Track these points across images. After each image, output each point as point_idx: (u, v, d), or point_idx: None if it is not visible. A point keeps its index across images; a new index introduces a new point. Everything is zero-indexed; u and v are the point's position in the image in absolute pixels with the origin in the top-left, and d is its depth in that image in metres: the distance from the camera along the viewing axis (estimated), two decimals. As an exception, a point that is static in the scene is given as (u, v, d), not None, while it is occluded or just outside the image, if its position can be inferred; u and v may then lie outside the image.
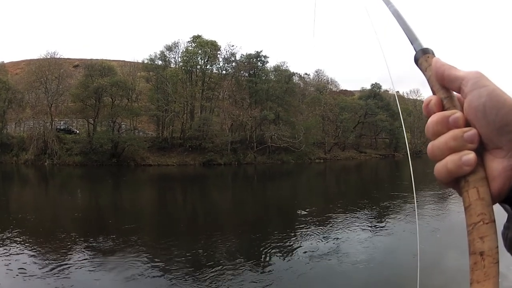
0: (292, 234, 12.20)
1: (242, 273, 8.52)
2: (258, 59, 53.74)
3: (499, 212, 0.46)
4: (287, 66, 56.25)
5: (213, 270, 8.70)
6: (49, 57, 49.62)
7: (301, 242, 11.17)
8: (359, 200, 18.14)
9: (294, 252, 10.27)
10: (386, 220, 14.18)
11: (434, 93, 0.52)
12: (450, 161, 0.46)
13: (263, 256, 10.00)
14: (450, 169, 0.46)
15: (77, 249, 10.00)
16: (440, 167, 0.48)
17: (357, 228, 12.92)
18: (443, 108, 0.50)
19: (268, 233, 12.35)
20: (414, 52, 0.57)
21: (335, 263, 9.38)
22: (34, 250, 9.70)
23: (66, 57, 57.38)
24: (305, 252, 10.18)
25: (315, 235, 11.98)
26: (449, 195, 18.69)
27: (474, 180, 0.46)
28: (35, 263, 8.77)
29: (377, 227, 13.03)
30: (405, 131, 66.84)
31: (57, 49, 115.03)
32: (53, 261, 8.82)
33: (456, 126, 0.47)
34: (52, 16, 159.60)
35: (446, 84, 0.50)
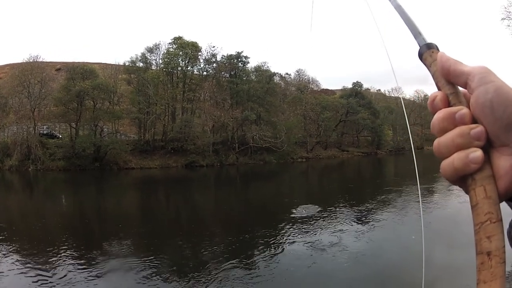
0: (276, 233, 12.32)
1: (228, 272, 8.71)
2: (239, 59, 53.84)
3: (504, 210, 0.45)
4: (268, 66, 56.59)
5: (199, 271, 8.87)
6: (32, 60, 49.31)
7: (285, 241, 11.32)
8: (343, 197, 18.40)
9: (279, 250, 10.43)
10: (374, 214, 14.43)
11: (439, 88, 0.51)
12: (456, 158, 0.45)
13: (247, 254, 10.18)
14: (457, 167, 0.45)
15: (62, 256, 10.01)
16: (446, 164, 0.46)
17: (343, 224, 13.11)
18: (449, 104, 0.48)
19: (252, 233, 12.50)
20: (418, 47, 0.55)
21: (319, 259, 9.64)
22: (18, 259, 9.66)
23: (48, 61, 57.04)
24: (290, 249, 10.39)
25: (299, 232, 12.14)
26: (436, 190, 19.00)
27: (481, 178, 0.44)
28: (20, 271, 8.83)
29: (364, 222, 13.27)
30: (388, 129, 67.84)
31: (40, 52, 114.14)
32: (38, 269, 8.86)
33: (463, 122, 0.46)
34: (36, 19, 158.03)
35: (451, 80, 0.49)
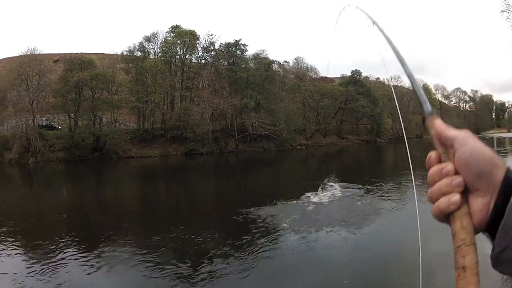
0: (277, 220, 12.02)
1: (229, 261, 8.55)
2: (237, 47, 53.74)
3: None
4: (266, 54, 56.45)
5: (200, 258, 8.75)
6: (29, 53, 48.99)
7: (285, 226, 11.07)
8: (342, 184, 18.25)
9: (281, 237, 10.24)
10: (378, 202, 14.16)
11: (435, 148, 0.64)
12: (441, 202, 0.59)
13: (247, 241, 9.96)
14: (441, 208, 0.59)
15: (63, 247, 9.82)
16: (434, 207, 0.60)
17: (341, 209, 12.86)
18: (440, 161, 0.62)
19: (252, 221, 12.33)
20: (424, 113, 0.68)
21: (317, 244, 9.46)
22: (20, 253, 9.50)
23: (46, 53, 56.75)
24: (291, 237, 10.17)
25: (299, 219, 11.86)
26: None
27: (459, 215, 0.58)
28: (22, 265, 8.66)
29: (362, 209, 12.89)
30: (387, 117, 67.84)
31: (37, 45, 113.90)
32: (40, 262, 8.67)
33: (448, 175, 0.59)
34: (32, 12, 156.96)
35: (443, 142, 0.62)
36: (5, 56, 65.60)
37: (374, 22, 1.05)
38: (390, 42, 0.92)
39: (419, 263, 1.06)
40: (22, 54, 49.63)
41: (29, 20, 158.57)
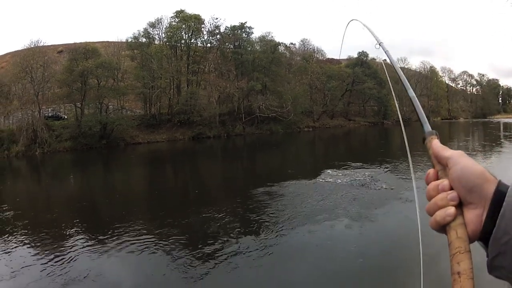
0: (283, 204, 11.86)
1: (238, 244, 8.48)
2: (243, 30, 53.33)
3: None
4: (272, 37, 55.89)
5: (209, 243, 8.68)
6: (33, 46, 48.56)
7: (294, 211, 10.85)
8: (349, 166, 17.95)
9: (288, 220, 10.07)
10: (383, 187, 13.66)
11: (433, 166, 0.71)
12: (438, 214, 0.65)
13: (255, 224, 9.86)
14: (438, 220, 0.64)
15: (72, 235, 9.80)
16: (432, 219, 0.66)
17: (353, 195, 12.48)
18: (437, 178, 0.68)
19: (259, 204, 12.13)
20: (424, 133, 0.75)
21: (327, 229, 9.24)
22: (29, 242, 9.39)
23: (49, 44, 56.55)
24: (300, 219, 10.05)
25: (310, 204, 11.74)
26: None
27: (454, 226, 0.63)
28: (33, 255, 8.58)
29: (373, 194, 12.45)
30: (395, 99, 67.06)
31: (40, 37, 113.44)
32: (50, 251, 8.61)
33: (444, 190, 0.65)
34: (34, 3, 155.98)
35: (439, 161, 0.69)
36: (8, 51, 65.47)
37: (380, 43, 1.23)
38: (394, 64, 1.06)
39: (419, 251, 0.96)
40: (25, 48, 49.26)
41: (31, 13, 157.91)
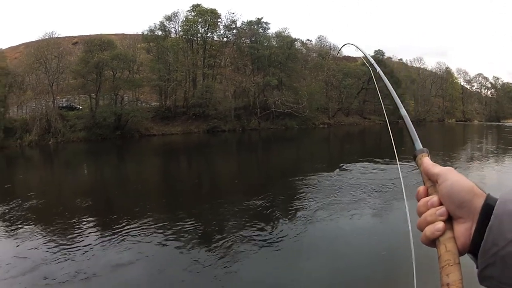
0: (298, 199, 11.85)
1: (251, 237, 8.45)
2: (259, 25, 53.24)
3: None
4: (288, 32, 55.83)
5: (222, 236, 8.63)
6: (47, 37, 48.72)
7: (307, 207, 10.78)
8: (362, 164, 17.73)
9: (301, 216, 10.02)
10: (394, 187, 13.41)
11: (424, 182, 0.73)
12: (427, 230, 0.66)
13: (269, 220, 9.74)
14: (428, 235, 0.66)
15: (85, 225, 9.75)
16: (422, 234, 0.68)
17: (364, 192, 12.35)
18: (427, 194, 0.70)
19: (274, 198, 12.02)
20: (415, 151, 0.78)
21: (340, 226, 9.18)
22: (42, 233, 9.33)
23: (64, 36, 56.70)
24: (313, 216, 9.96)
25: (324, 198, 11.60)
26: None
27: (443, 240, 0.64)
28: (42, 242, 8.59)
29: (385, 193, 12.13)
30: (409, 99, 66.63)
31: (54, 28, 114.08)
32: (64, 243, 8.53)
33: (433, 206, 0.67)
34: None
35: (429, 177, 0.71)
36: (22, 42, 65.66)
37: (372, 63, 1.33)
38: (386, 83, 1.13)
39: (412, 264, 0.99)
40: (39, 39, 49.33)
41: (45, 4, 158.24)
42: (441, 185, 0.67)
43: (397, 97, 1.03)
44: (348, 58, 63.62)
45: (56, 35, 50.74)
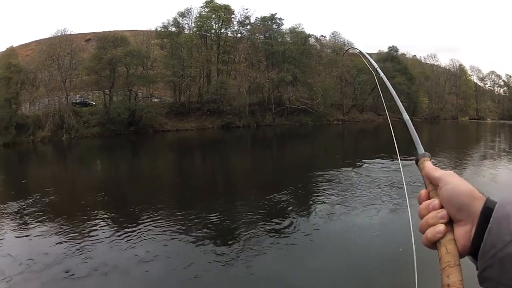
0: (312, 195, 11.90)
1: (265, 233, 8.45)
2: (273, 21, 53.11)
3: None
4: (302, 28, 55.55)
5: (236, 233, 8.66)
6: (59, 34, 48.85)
7: (321, 204, 10.79)
8: (376, 161, 17.55)
9: (315, 213, 10.03)
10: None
11: (425, 186, 0.74)
12: (428, 232, 0.68)
13: (283, 216, 9.72)
14: (429, 238, 0.67)
15: (98, 221, 9.77)
16: (423, 237, 0.69)
17: (379, 189, 12.29)
18: (429, 198, 0.72)
19: (288, 194, 11.95)
20: (417, 155, 0.80)
21: (353, 224, 9.17)
22: (61, 229, 9.35)
23: (77, 33, 56.70)
24: (326, 212, 9.99)
25: (337, 195, 11.65)
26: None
27: (444, 242, 0.66)
28: (56, 237, 8.63)
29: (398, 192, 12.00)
30: (423, 96, 66.08)
31: (67, 26, 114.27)
32: (82, 238, 8.60)
33: (434, 209, 0.69)
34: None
35: (431, 181, 0.73)
36: (34, 39, 65.81)
37: (376, 68, 1.39)
38: (389, 88, 1.19)
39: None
40: (51, 36, 49.43)
41: (57, 1, 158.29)
42: (442, 189, 0.69)
43: (399, 102, 1.07)
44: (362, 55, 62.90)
45: (68, 32, 50.81)
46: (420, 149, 0.81)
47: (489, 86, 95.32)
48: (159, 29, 52.22)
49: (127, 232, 8.66)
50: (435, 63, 70.01)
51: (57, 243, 8.18)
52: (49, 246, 8.03)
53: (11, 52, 51.43)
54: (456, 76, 72.50)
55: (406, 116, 0.95)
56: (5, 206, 11.54)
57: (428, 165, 0.76)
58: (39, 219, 10.06)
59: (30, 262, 7.16)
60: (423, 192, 0.74)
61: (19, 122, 40.66)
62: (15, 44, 62.24)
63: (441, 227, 0.67)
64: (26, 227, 9.60)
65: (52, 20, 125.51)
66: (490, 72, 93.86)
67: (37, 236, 8.78)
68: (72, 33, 52.14)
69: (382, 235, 8.22)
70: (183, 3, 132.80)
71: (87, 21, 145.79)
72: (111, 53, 44.52)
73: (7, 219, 10.27)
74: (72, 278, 6.55)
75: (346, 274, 6.71)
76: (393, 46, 64.71)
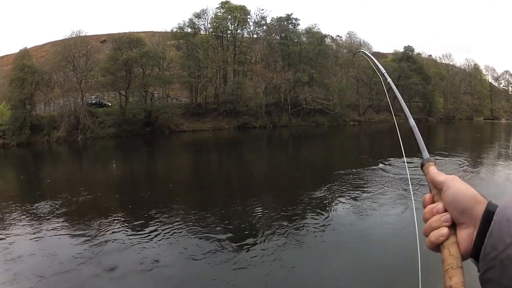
0: (328, 196, 11.83)
1: (280, 234, 8.47)
2: (289, 22, 53.05)
3: None
4: (318, 28, 55.48)
5: (251, 234, 8.68)
6: (74, 36, 49.13)
7: (336, 204, 10.88)
8: (391, 163, 17.43)
9: (330, 213, 10.08)
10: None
11: (430, 190, 0.76)
12: (432, 235, 0.69)
13: (299, 218, 9.81)
14: (433, 241, 0.69)
15: (113, 221, 9.86)
16: (427, 240, 0.71)
17: (395, 189, 12.26)
18: (433, 201, 0.74)
19: (304, 195, 11.95)
20: (422, 160, 0.81)
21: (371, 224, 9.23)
22: (68, 225, 9.61)
23: (92, 34, 57.06)
24: (342, 212, 10.09)
25: (355, 196, 11.65)
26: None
27: (447, 244, 0.67)
28: (70, 236, 8.77)
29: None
30: (439, 96, 65.53)
31: (82, 27, 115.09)
32: (88, 234, 8.80)
33: (438, 213, 0.70)
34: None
35: (435, 185, 0.74)
36: (48, 41, 66.29)
37: (383, 73, 1.42)
38: (395, 92, 1.22)
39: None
40: (66, 37, 49.69)
41: (72, 2, 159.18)
42: (445, 193, 0.71)
43: (406, 108, 1.09)
44: (377, 55, 62.93)
45: (83, 34, 51.08)
46: (426, 154, 0.82)
47: (503, 86, 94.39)
48: (174, 30, 52.52)
49: (146, 233, 8.76)
50: (450, 63, 69.38)
51: (78, 244, 8.29)
52: (73, 245, 8.16)
53: (25, 53, 51.75)
54: (471, 76, 71.70)
55: (412, 122, 0.97)
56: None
57: (433, 169, 0.77)
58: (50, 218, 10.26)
59: (54, 261, 7.34)
60: (427, 196, 0.76)
61: (34, 122, 40.97)
62: (30, 45, 62.85)
63: (444, 230, 0.68)
64: (49, 226, 9.70)
65: (67, 22, 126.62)
66: (504, 71, 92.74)
67: (62, 235, 8.92)
68: (87, 34, 52.42)
69: (388, 237, 8.30)
70: (199, 4, 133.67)
71: (101, 22, 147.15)
72: (127, 54, 44.75)
73: (23, 220, 10.43)
74: (102, 275, 6.74)
75: (354, 274, 6.79)
76: (408, 46, 64.35)
